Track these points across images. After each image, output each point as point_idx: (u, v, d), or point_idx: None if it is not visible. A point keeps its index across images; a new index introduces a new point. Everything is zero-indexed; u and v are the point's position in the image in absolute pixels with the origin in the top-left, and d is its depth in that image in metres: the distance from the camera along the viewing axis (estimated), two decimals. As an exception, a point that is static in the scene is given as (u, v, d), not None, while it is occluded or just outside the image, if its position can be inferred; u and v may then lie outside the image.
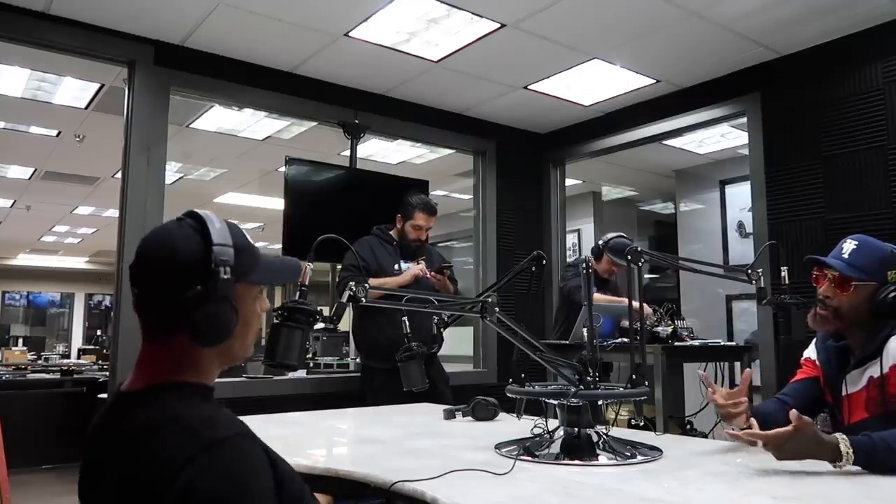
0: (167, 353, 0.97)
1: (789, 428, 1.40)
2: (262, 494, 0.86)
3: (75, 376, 6.39)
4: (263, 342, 1.40)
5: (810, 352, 1.86)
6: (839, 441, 1.39)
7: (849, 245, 1.72)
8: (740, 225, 5.62)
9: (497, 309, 1.62)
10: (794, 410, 1.44)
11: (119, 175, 3.53)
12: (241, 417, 0.95)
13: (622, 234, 4.05)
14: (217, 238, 0.96)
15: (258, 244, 1.07)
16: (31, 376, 6.65)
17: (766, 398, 1.66)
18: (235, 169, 6.32)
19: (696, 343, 3.53)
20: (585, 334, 1.77)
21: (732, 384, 4.13)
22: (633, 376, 1.63)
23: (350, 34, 3.48)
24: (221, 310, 0.94)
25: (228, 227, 1.00)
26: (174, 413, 0.89)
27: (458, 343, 4.73)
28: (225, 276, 0.94)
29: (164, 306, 0.95)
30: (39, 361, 8.62)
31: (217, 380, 1.04)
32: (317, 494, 1.39)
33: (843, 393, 1.71)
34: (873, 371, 1.64)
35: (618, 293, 4.02)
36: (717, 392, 1.67)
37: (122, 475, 0.88)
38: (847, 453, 1.37)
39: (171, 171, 5.83)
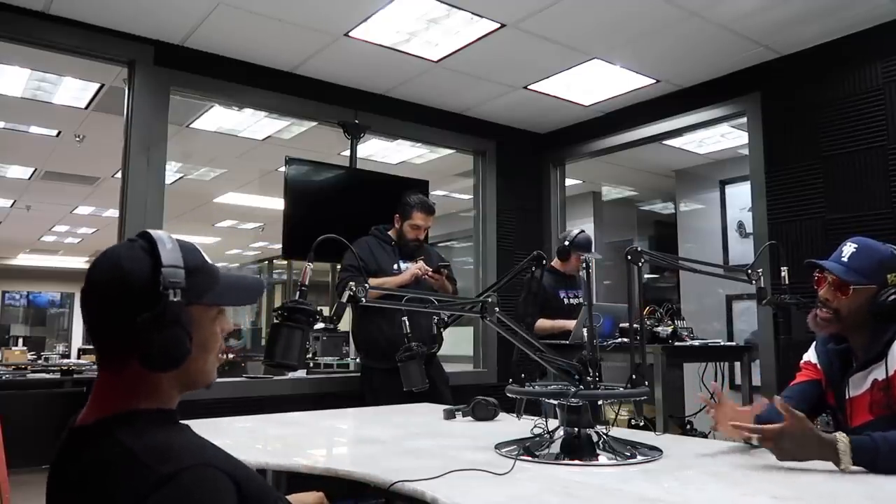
0: (122, 380, 0.93)
1: (782, 424, 1.41)
2: None
3: (75, 376, 6.38)
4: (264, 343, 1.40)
5: (810, 355, 1.85)
6: (838, 440, 1.38)
7: (848, 248, 1.72)
8: (740, 225, 5.62)
9: (497, 309, 1.61)
10: (780, 399, 1.45)
11: (119, 175, 3.53)
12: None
13: (583, 229, 4.12)
14: (167, 259, 0.92)
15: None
16: (31, 376, 6.64)
17: (769, 405, 1.66)
18: (235, 169, 6.32)
19: (696, 343, 3.54)
20: (585, 334, 1.77)
21: (732, 384, 4.14)
22: (633, 376, 1.63)
23: (350, 34, 3.48)
24: (172, 335, 0.90)
25: (181, 247, 0.96)
26: (125, 448, 0.86)
27: (458, 343, 4.72)
28: (175, 299, 0.90)
29: (115, 331, 0.92)
30: (39, 361, 8.62)
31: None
32: (307, 493, 1.39)
33: (847, 396, 1.71)
34: (878, 374, 1.64)
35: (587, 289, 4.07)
36: (721, 406, 1.67)
37: None
38: (846, 452, 1.36)
39: (171, 171, 5.83)
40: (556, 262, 4.05)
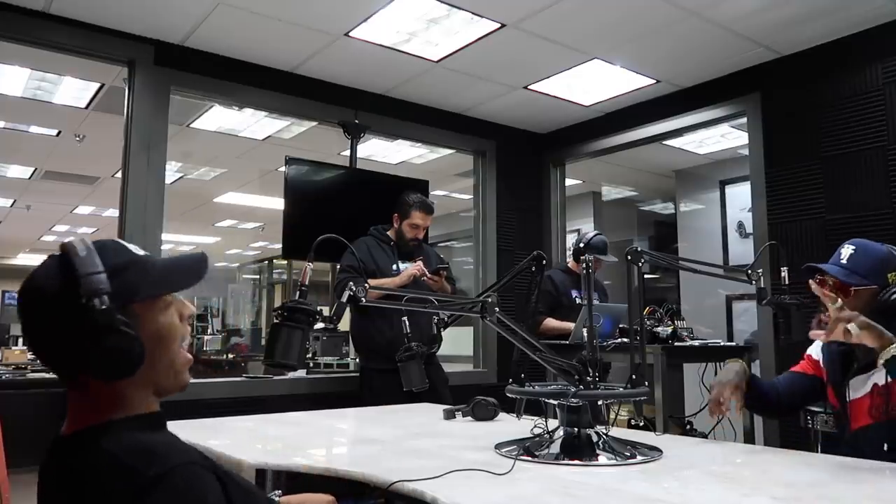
0: (89, 395, 0.90)
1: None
2: None
3: (75, 376, 6.37)
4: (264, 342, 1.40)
5: (815, 351, 1.86)
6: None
7: (847, 250, 1.73)
8: (740, 225, 5.62)
9: (497, 309, 1.61)
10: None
11: (119, 175, 3.53)
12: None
13: (599, 231, 4.26)
14: (83, 268, 0.85)
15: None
16: (31, 376, 6.64)
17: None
18: (235, 169, 6.33)
19: (696, 343, 3.53)
20: (585, 334, 1.77)
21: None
22: (633, 376, 1.63)
23: (350, 34, 3.48)
24: (113, 343, 0.84)
25: (100, 249, 0.89)
26: (109, 453, 0.84)
27: (458, 343, 4.73)
28: (103, 307, 0.83)
29: (58, 352, 0.88)
30: (39, 361, 8.60)
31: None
32: (318, 494, 1.39)
33: (847, 398, 1.71)
34: (878, 378, 1.64)
35: (602, 290, 4.23)
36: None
37: None
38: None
39: (171, 171, 5.84)
40: (570, 263, 4.20)
